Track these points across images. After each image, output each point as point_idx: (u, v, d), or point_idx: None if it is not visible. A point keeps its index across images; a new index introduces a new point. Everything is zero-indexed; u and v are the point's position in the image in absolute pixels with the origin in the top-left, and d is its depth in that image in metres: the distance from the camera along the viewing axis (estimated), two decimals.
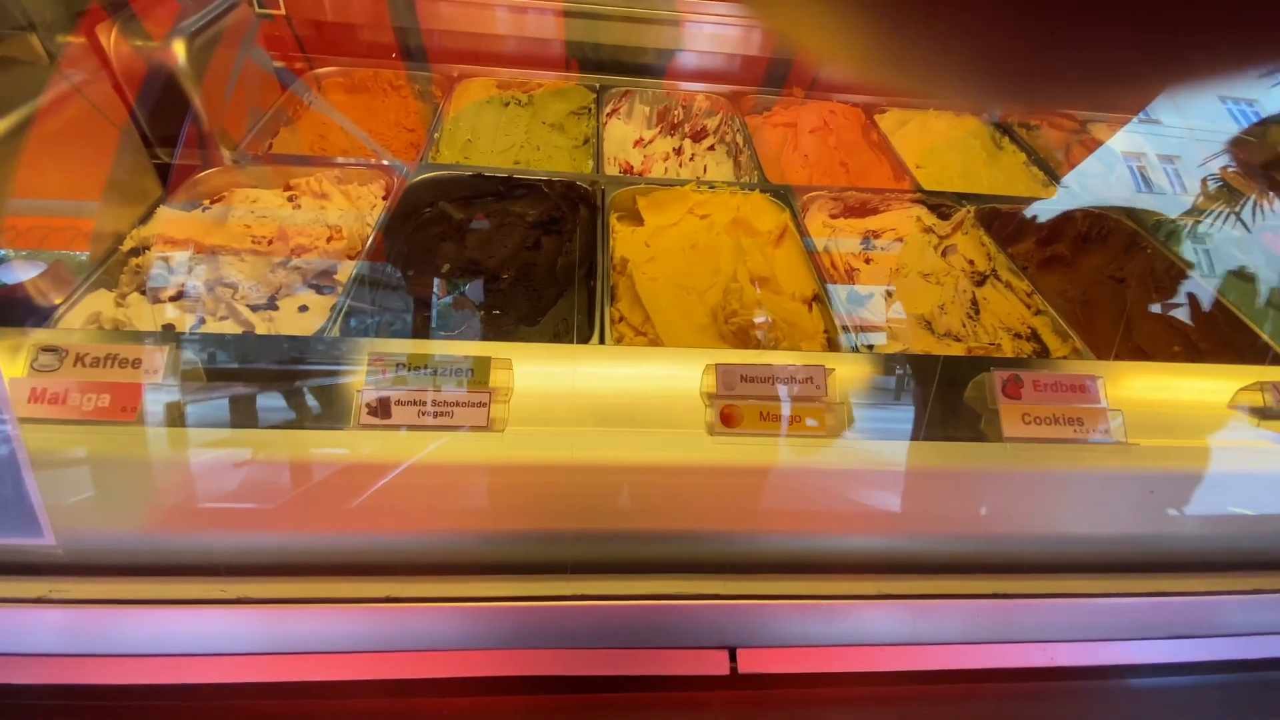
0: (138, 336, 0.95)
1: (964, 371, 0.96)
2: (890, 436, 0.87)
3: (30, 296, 1.07)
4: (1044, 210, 1.62)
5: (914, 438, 0.87)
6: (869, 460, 0.85)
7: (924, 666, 0.78)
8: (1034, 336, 1.26)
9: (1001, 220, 1.58)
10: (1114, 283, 1.53)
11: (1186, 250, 1.52)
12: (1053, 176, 1.82)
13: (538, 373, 0.87)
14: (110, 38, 1.36)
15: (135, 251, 1.19)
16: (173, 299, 1.13)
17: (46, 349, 0.83)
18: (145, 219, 1.25)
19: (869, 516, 0.84)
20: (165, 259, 1.16)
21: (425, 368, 0.84)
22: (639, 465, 0.80)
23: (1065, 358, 1.17)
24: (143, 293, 1.14)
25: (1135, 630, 0.84)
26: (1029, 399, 0.91)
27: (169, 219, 1.27)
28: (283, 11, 1.89)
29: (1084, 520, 0.87)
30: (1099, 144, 1.95)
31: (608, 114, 1.97)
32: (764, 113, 2.01)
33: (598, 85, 2.00)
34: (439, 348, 0.91)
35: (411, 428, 0.80)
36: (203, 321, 1.12)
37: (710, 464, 0.81)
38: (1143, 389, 1.00)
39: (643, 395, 0.90)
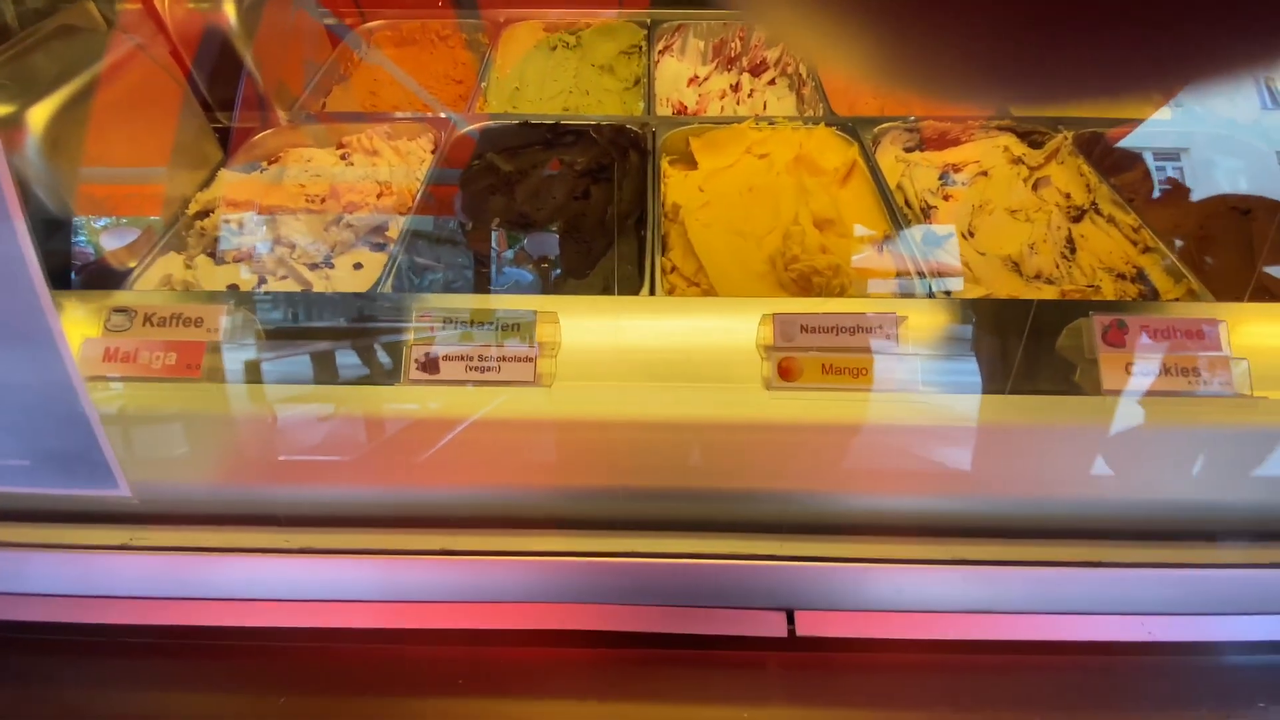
0: (200, 297, 0.98)
1: (1057, 317, 0.86)
2: (968, 390, 0.79)
3: (108, 261, 1.12)
4: (1156, 133, 1.43)
5: (995, 391, 0.78)
6: (943, 416, 0.78)
7: (999, 636, 0.73)
8: (1140, 277, 1.12)
9: (1105, 146, 1.40)
10: (1238, 214, 1.34)
11: None
12: (1168, 94, 1.59)
13: (585, 326, 0.84)
14: (165, 1, 1.38)
15: (200, 215, 1.22)
16: (236, 260, 1.16)
17: (118, 310, 0.86)
18: (207, 183, 1.28)
19: (941, 476, 0.77)
20: (227, 221, 1.19)
21: (471, 322, 0.83)
22: (689, 421, 0.76)
23: (1178, 300, 1.04)
24: (209, 255, 1.18)
25: (1246, 604, 0.75)
26: (1135, 346, 0.80)
27: (229, 181, 1.29)
28: None
29: (1192, 483, 0.77)
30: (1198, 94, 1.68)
31: (660, 51, 1.86)
32: None
33: (648, 20, 1.89)
34: (485, 302, 0.89)
35: (459, 383, 0.78)
36: (264, 281, 1.14)
37: (766, 420, 0.76)
38: (1272, 335, 0.87)
39: (694, 348, 0.85)
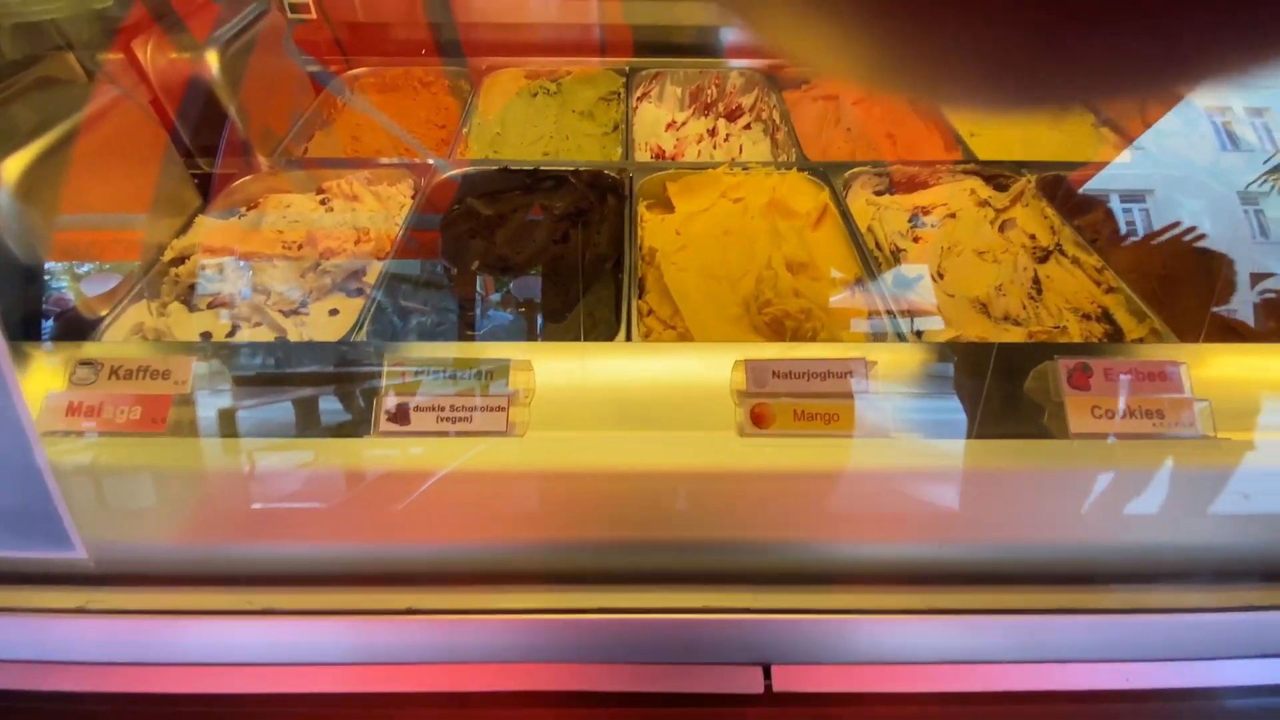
0: (168, 347, 0.97)
1: (1024, 359, 0.87)
2: (940, 434, 0.80)
3: (79, 310, 1.11)
4: (1116, 176, 1.48)
5: (967, 435, 0.79)
6: (915, 461, 0.78)
7: (978, 688, 0.72)
8: (1105, 317, 1.15)
9: (1067, 189, 1.45)
10: (1197, 253, 1.38)
11: None
12: (1125, 137, 1.66)
13: (560, 372, 0.84)
14: (147, 51, 1.40)
15: (175, 262, 1.22)
16: (210, 307, 1.15)
17: (84, 362, 0.85)
18: (184, 229, 1.28)
19: (915, 523, 0.77)
20: (201, 268, 1.18)
21: (444, 371, 0.82)
22: (663, 471, 0.76)
23: (1142, 340, 1.06)
24: (182, 302, 1.17)
25: (1223, 649, 0.75)
26: (1099, 390, 0.82)
27: (206, 228, 1.29)
28: (314, 15, 1.91)
29: (1165, 526, 0.78)
30: (1178, 98, 1.76)
31: (638, 98, 1.91)
32: (803, 86, 1.91)
33: (627, 68, 1.94)
34: (458, 350, 0.89)
35: (430, 433, 0.78)
36: (238, 328, 1.13)
37: (741, 468, 0.76)
38: (1233, 374, 0.89)
39: (669, 394, 0.86)
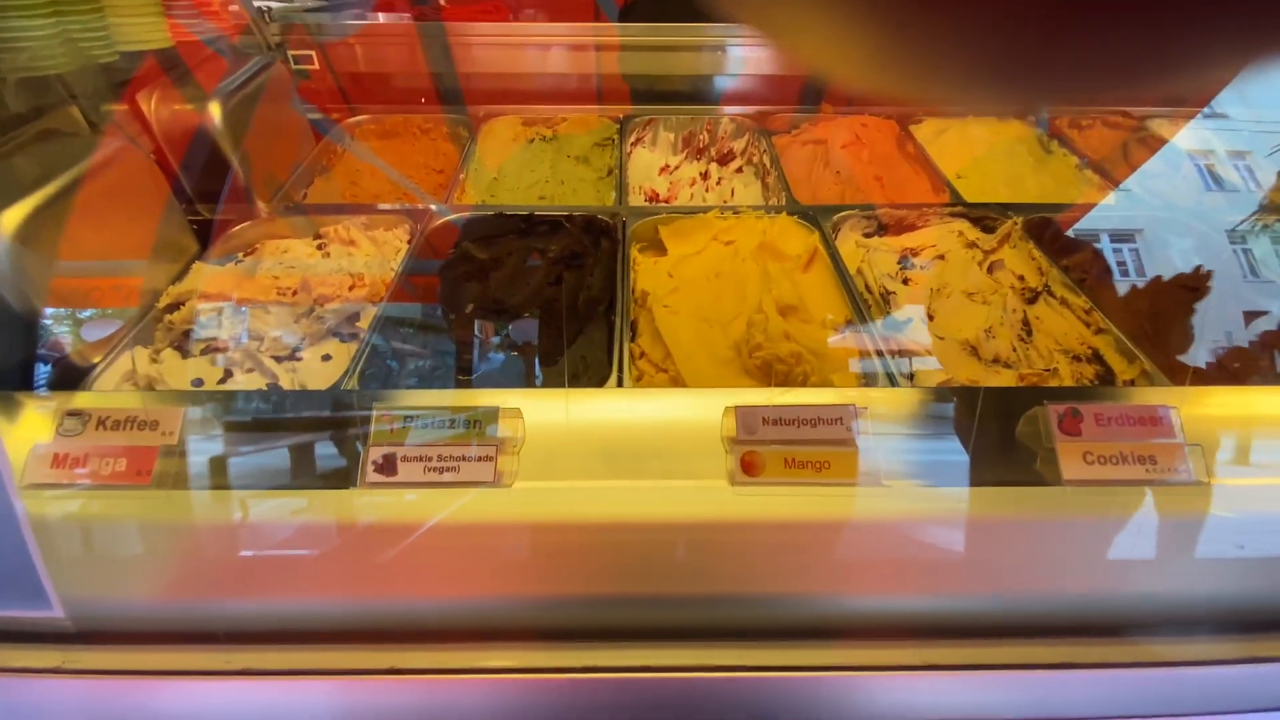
0: (156, 397, 0.96)
1: (1015, 404, 0.87)
2: (931, 482, 0.79)
3: (72, 357, 1.11)
4: (1101, 217, 1.50)
5: (958, 483, 0.79)
6: (908, 510, 0.77)
7: None
8: (1096, 358, 1.15)
9: (1054, 231, 1.47)
10: (1186, 292, 1.40)
11: (1267, 253, 1.38)
12: (1110, 179, 1.69)
13: (549, 419, 0.84)
14: (151, 103, 1.44)
15: (170, 308, 1.22)
16: (203, 353, 1.16)
17: (71, 413, 0.85)
18: (181, 275, 1.29)
19: (910, 574, 0.76)
20: (196, 314, 1.19)
21: (431, 420, 0.82)
22: (653, 522, 0.75)
23: (1132, 382, 1.06)
24: (176, 349, 1.17)
25: (1229, 702, 0.73)
26: (1091, 435, 0.82)
27: (203, 274, 1.31)
28: (316, 66, 1.97)
29: (1164, 576, 0.76)
30: (1161, 141, 1.80)
31: (632, 143, 1.95)
32: (792, 131, 1.96)
33: (621, 115, 1.99)
34: (448, 398, 0.89)
35: (417, 485, 0.77)
36: (230, 375, 1.13)
37: (731, 519, 0.75)
38: (1225, 416, 0.89)
39: (660, 441, 0.85)
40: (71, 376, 1.08)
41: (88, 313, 1.16)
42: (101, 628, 0.71)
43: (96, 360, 1.11)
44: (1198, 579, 0.77)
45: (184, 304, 1.22)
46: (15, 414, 0.88)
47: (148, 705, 0.70)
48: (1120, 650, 0.72)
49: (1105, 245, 1.47)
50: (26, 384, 1.05)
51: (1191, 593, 0.77)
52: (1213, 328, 1.27)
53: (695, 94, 2.05)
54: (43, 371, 1.08)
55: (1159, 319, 1.34)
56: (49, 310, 1.09)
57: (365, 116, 2.04)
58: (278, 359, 1.15)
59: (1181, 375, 1.08)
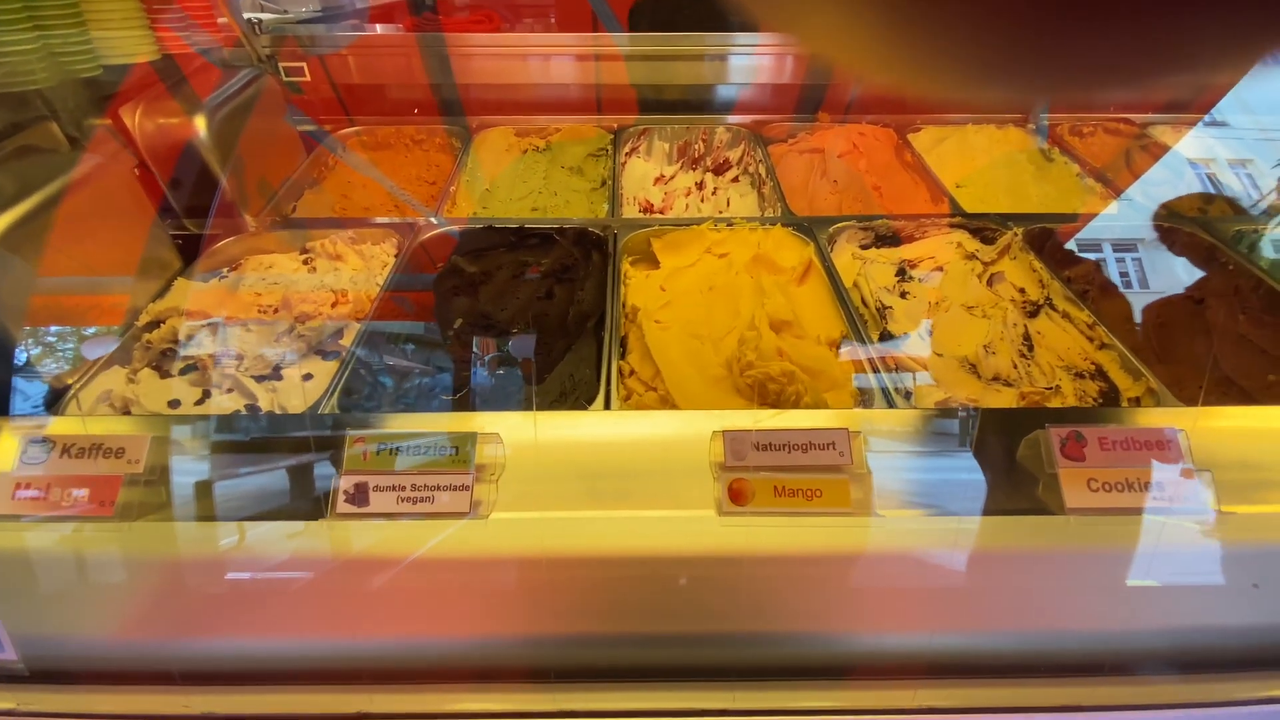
0: (126, 423, 0.94)
1: (1015, 426, 0.84)
2: (927, 510, 0.75)
3: (45, 378, 1.08)
4: (1103, 227, 1.47)
5: (956, 511, 0.75)
6: (903, 542, 0.74)
7: None
8: (1100, 374, 1.12)
9: (1055, 241, 1.44)
10: (1191, 304, 1.36)
11: (1276, 262, 1.34)
12: (1112, 188, 1.66)
13: (530, 443, 0.81)
14: (135, 117, 1.41)
15: (149, 326, 1.20)
16: (181, 373, 1.13)
17: (34, 440, 0.82)
18: (162, 293, 1.27)
19: (904, 610, 0.72)
20: (175, 333, 1.16)
21: (406, 446, 0.79)
22: (636, 556, 0.72)
23: (1138, 400, 1.02)
24: (154, 368, 1.14)
25: None
26: (1095, 460, 0.78)
27: (184, 291, 1.28)
28: (308, 78, 1.95)
29: (1172, 611, 0.73)
30: (1163, 148, 1.77)
31: (626, 153, 1.93)
32: (789, 140, 1.93)
33: (615, 126, 1.97)
34: (424, 422, 0.86)
35: (389, 515, 0.74)
36: (208, 395, 1.11)
37: (719, 552, 0.72)
38: (1236, 438, 0.85)
39: (645, 467, 0.82)
40: (46, 399, 1.05)
41: (63, 331, 1.13)
42: (57, 668, 0.68)
43: (71, 382, 1.08)
44: (1209, 613, 0.74)
45: (163, 322, 1.20)
46: None
47: None
48: (1128, 691, 0.68)
49: (1108, 256, 1.43)
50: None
51: (1202, 628, 0.73)
52: (1221, 340, 1.23)
53: (691, 103, 2.03)
54: (17, 393, 1.05)
55: (1165, 332, 1.30)
56: (22, 330, 1.06)
57: (357, 128, 2.02)
58: (258, 379, 1.12)
59: (1190, 392, 1.04)
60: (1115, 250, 1.45)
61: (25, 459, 0.81)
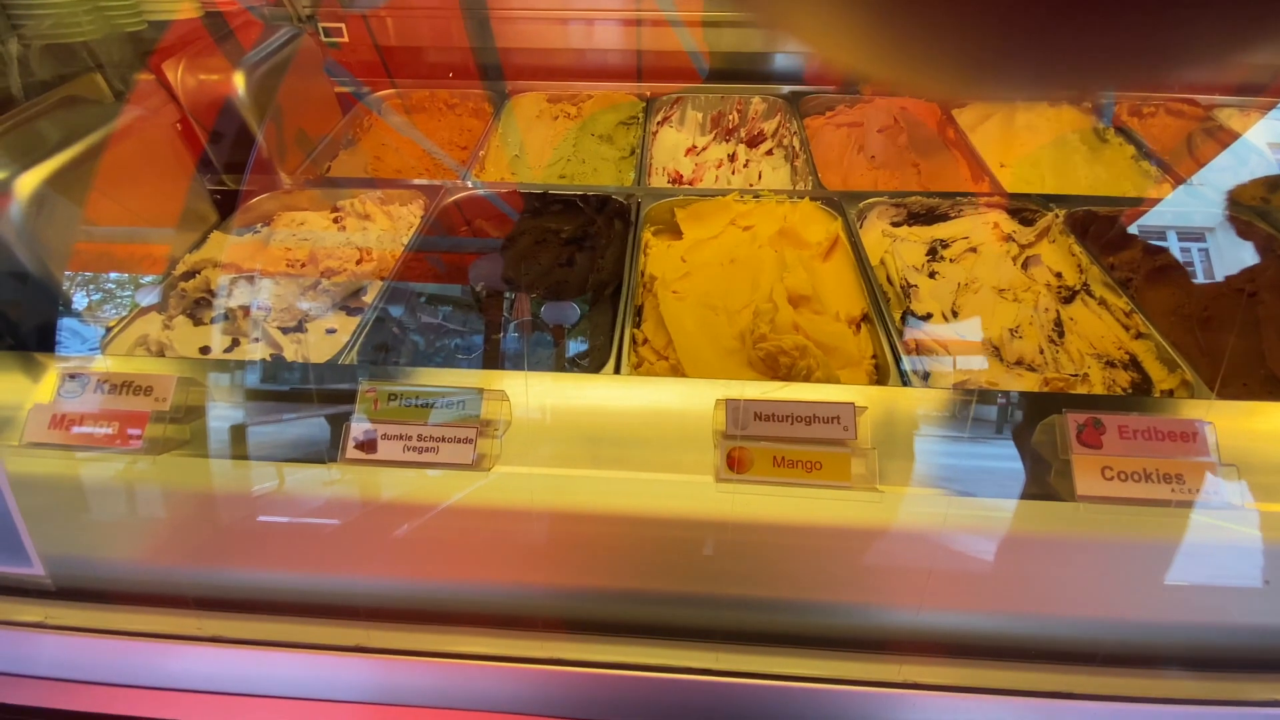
0: (156, 364, 0.98)
1: (1032, 410, 0.81)
2: (929, 490, 0.74)
3: (88, 320, 1.14)
4: (1153, 212, 1.39)
5: (960, 492, 0.73)
6: (899, 519, 0.72)
7: None
8: (1133, 364, 1.07)
9: (1100, 225, 1.37)
10: (1243, 296, 1.28)
11: None
12: (1170, 173, 1.57)
13: (536, 404, 0.82)
14: (178, 72, 1.45)
15: (186, 276, 1.24)
16: (212, 321, 1.17)
17: (72, 376, 0.87)
18: (199, 244, 1.31)
19: (893, 585, 0.71)
20: (209, 283, 1.21)
21: (415, 400, 0.81)
22: (629, 515, 0.72)
23: (1171, 392, 0.98)
24: (188, 316, 1.19)
25: None
26: (1112, 449, 0.75)
27: (220, 244, 1.32)
28: (346, 39, 1.97)
29: (1176, 606, 0.70)
30: (1230, 133, 1.66)
31: (658, 122, 1.90)
32: (826, 113, 1.87)
33: (648, 93, 1.94)
34: (436, 377, 0.87)
35: (395, 463, 0.76)
36: (236, 344, 1.15)
37: (712, 516, 0.72)
38: (1269, 435, 0.81)
39: (648, 431, 0.82)
40: (87, 340, 1.10)
41: (101, 279, 1.18)
42: (82, 586, 0.73)
43: (111, 325, 1.14)
44: (1222, 611, 0.71)
45: (199, 272, 1.24)
46: (27, 373, 0.91)
47: (121, 665, 0.71)
48: (1124, 683, 0.66)
49: (1156, 243, 1.36)
50: (43, 345, 1.08)
51: (1213, 626, 0.70)
52: (1270, 334, 1.16)
53: (732, 72, 1.98)
54: (61, 332, 1.11)
55: (1210, 325, 1.24)
56: (65, 274, 1.11)
57: (391, 91, 2.03)
58: (284, 330, 1.16)
59: (1229, 388, 0.99)
60: (1164, 237, 1.38)
61: (63, 393, 0.85)
